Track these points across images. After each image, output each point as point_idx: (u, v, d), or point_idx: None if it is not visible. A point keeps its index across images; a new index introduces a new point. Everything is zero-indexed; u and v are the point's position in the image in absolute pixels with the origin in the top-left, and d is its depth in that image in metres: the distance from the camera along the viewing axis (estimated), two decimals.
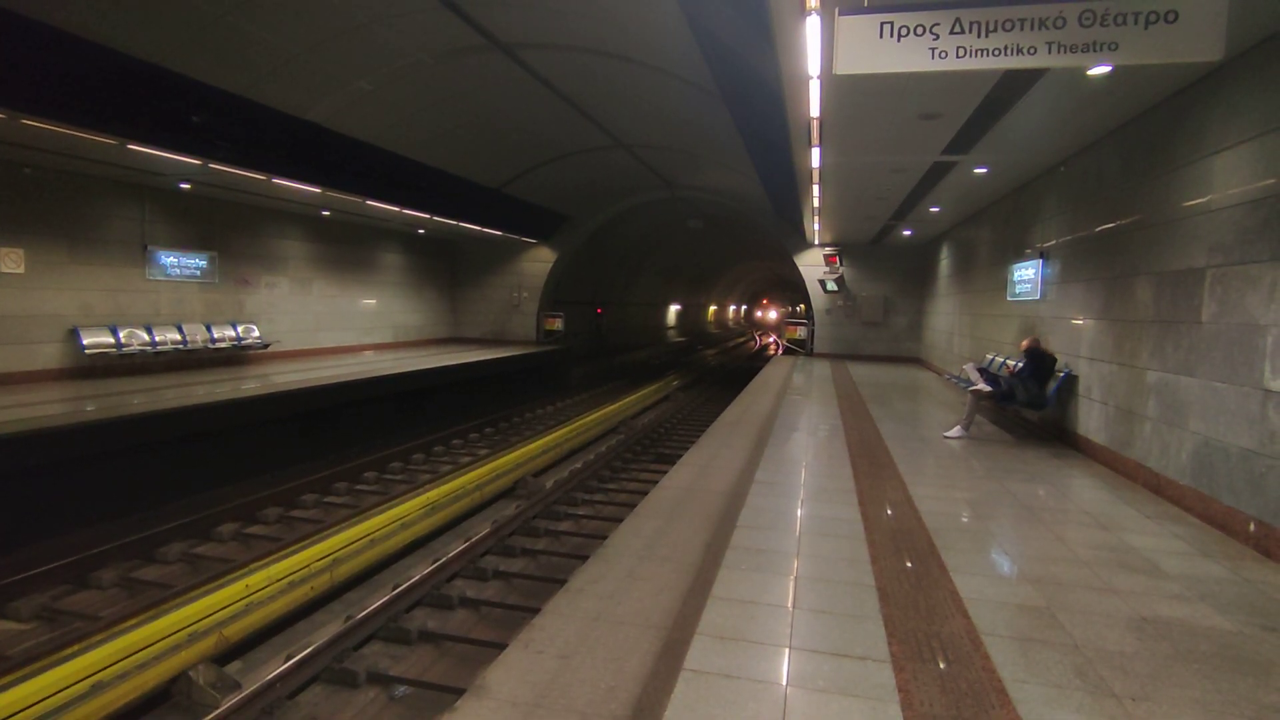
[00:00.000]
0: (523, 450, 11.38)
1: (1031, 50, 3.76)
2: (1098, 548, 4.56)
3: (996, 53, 3.79)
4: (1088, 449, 7.40)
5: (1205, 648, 3.19)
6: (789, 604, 3.56)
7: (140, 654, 4.85)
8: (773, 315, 76.08)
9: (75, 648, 4.73)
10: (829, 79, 5.58)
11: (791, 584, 3.82)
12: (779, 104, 6.93)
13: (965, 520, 5.16)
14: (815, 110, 6.65)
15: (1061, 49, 3.72)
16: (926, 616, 3.44)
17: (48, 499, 7.80)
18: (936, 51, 3.86)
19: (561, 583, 3.83)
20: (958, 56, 3.84)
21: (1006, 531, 4.95)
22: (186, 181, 12.02)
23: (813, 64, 5.24)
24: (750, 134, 10.26)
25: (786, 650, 3.09)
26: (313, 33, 8.88)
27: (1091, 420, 7.33)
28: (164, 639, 5.06)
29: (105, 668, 4.66)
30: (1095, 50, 3.67)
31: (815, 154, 8.36)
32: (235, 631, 5.56)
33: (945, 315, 16.14)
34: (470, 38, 9.53)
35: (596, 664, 2.89)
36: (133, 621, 5.18)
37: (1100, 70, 5.19)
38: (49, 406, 8.79)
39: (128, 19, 7.82)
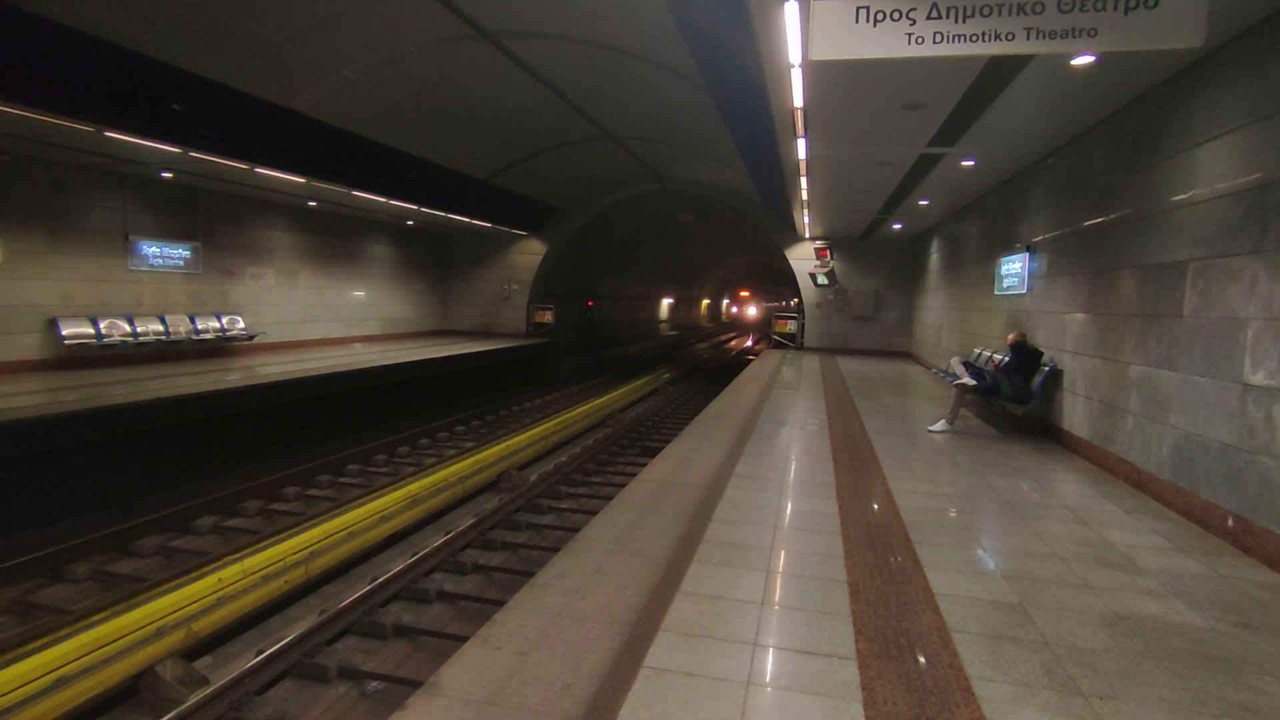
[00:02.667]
0: (507, 443, 11.30)
1: (1010, 36, 3.69)
2: (1076, 543, 4.51)
3: (975, 38, 3.72)
4: (1071, 443, 7.36)
5: (1177, 645, 3.14)
6: (758, 599, 3.50)
7: (106, 648, 4.77)
8: (752, 312, 63.69)
9: (40, 642, 4.64)
10: (810, 67, 5.50)
11: (762, 579, 3.76)
12: (762, 94, 6.84)
13: (944, 515, 5.11)
14: (799, 100, 6.56)
15: (1041, 35, 3.65)
16: (897, 613, 3.39)
17: (22, 491, 7.69)
18: (913, 37, 3.79)
19: None
20: (935, 42, 3.77)
21: (985, 526, 4.90)
22: (169, 170, 11.86)
23: (793, 52, 5.16)
24: (736, 125, 10.17)
25: (751, 647, 3.03)
26: (293, 19, 8.73)
27: (1075, 415, 7.30)
28: (131, 633, 4.98)
29: (70, 662, 4.58)
30: (1075, 37, 3.61)
31: (801, 145, 8.28)
32: (206, 626, 5.49)
33: (934, 310, 16.11)
34: (454, 26, 9.39)
35: (554, 661, 2.82)
36: (100, 615, 5.09)
37: (1084, 60, 5.12)
38: (20, 399, 8.66)
39: (103, 3, 7.66)
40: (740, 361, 25.62)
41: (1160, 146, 5.66)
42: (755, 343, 43.02)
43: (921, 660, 2.94)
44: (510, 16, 9.43)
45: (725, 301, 62.44)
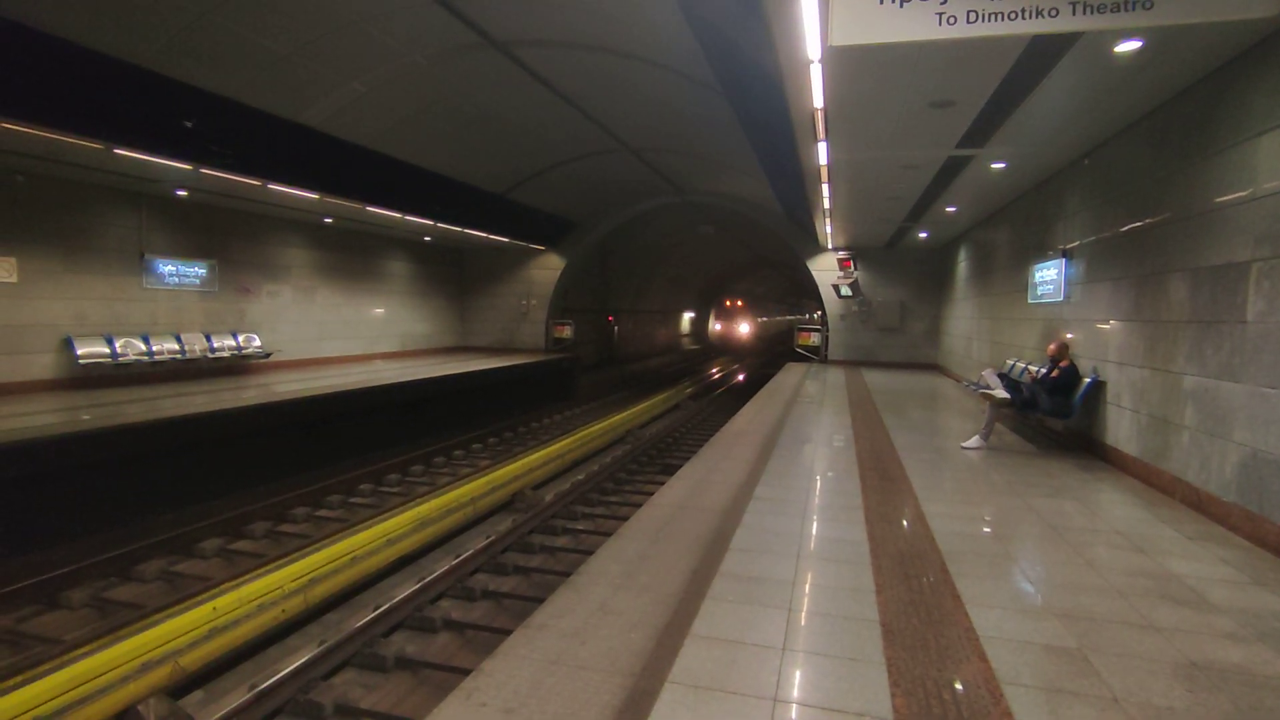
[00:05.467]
0: (522, 462, 10.99)
1: (1053, 12, 3.32)
2: (1134, 574, 4.06)
3: (1013, 16, 3.36)
4: (1117, 460, 6.86)
5: (1273, 704, 2.69)
6: (778, 644, 3.11)
7: (84, 686, 4.50)
8: (744, 330, 52.68)
9: (12, 681, 4.37)
10: (830, 62, 5.16)
11: (783, 619, 3.37)
12: (780, 95, 6.51)
13: (983, 541, 4.67)
14: (819, 100, 6.22)
15: (1088, 10, 3.27)
16: (937, 660, 2.98)
17: (23, 513, 7.52)
18: (944, 17, 3.43)
19: None
20: (969, 22, 3.41)
21: (1029, 554, 4.46)
22: (183, 188, 11.82)
23: (811, 43, 4.82)
24: (754, 131, 9.84)
25: (771, 703, 2.65)
26: (300, 32, 8.60)
27: (1121, 429, 6.80)
28: (115, 669, 4.71)
29: (45, 702, 4.31)
30: (1127, 10, 3.22)
31: (822, 149, 7.93)
32: (196, 659, 5.20)
33: (963, 320, 15.57)
34: (464, 35, 9.21)
35: None
36: (83, 650, 4.83)
37: (1129, 46, 4.72)
38: (31, 418, 8.54)
39: (108, 20, 7.58)
40: (762, 376, 25.15)
41: (1214, 139, 5.22)
42: (748, 375, 29.46)
43: None
44: (519, 24, 9.22)
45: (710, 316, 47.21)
